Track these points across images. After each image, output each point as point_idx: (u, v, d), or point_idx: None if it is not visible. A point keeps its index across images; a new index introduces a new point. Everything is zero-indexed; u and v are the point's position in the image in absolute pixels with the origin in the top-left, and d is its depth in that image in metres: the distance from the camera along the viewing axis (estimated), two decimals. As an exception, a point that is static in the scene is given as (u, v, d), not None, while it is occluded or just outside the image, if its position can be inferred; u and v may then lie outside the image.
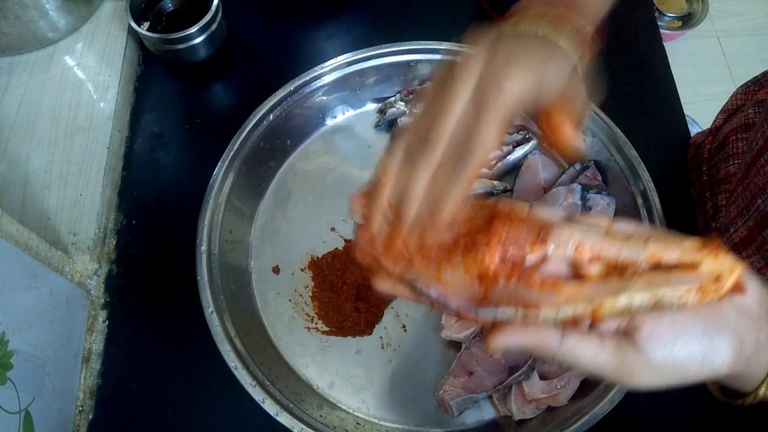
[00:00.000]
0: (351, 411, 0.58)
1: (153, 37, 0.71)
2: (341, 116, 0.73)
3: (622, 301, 0.31)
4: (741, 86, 0.70)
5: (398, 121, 0.70)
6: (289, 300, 0.63)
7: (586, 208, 0.63)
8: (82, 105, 0.72)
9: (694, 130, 0.74)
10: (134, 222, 0.68)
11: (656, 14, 1.70)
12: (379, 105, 0.73)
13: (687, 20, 1.76)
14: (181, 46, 0.72)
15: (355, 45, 0.71)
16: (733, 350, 0.32)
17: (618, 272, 0.33)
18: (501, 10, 0.78)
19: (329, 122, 0.73)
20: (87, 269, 0.64)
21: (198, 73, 0.77)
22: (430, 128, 0.34)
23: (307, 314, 0.63)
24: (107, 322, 0.63)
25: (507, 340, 0.33)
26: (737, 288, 0.32)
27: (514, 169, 0.69)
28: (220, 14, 0.73)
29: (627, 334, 0.32)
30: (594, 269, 0.33)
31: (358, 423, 0.57)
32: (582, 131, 0.36)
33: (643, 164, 0.62)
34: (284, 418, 0.52)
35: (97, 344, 0.62)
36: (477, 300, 0.33)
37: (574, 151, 0.37)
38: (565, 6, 0.39)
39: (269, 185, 0.70)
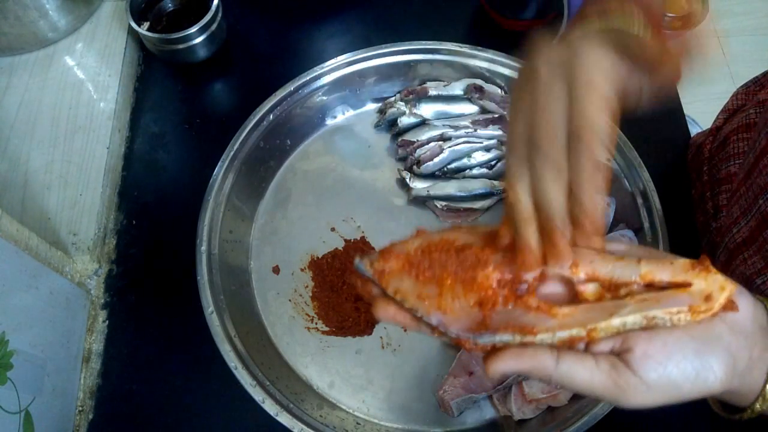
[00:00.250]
0: (351, 411, 0.58)
1: (153, 37, 0.71)
2: (341, 116, 0.73)
3: (616, 322, 0.32)
4: (741, 86, 0.70)
5: (398, 121, 0.70)
6: (289, 300, 0.63)
7: (586, 208, 0.63)
8: (82, 105, 0.72)
9: (694, 130, 0.74)
10: (134, 222, 0.68)
11: (656, 14, 1.70)
12: (379, 105, 0.73)
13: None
14: (181, 46, 0.72)
15: (355, 45, 0.71)
16: (725, 367, 0.32)
17: (613, 291, 0.33)
18: (501, 10, 0.78)
19: (329, 122, 0.73)
20: (87, 269, 0.64)
21: (198, 73, 0.77)
22: (537, 136, 0.33)
23: (307, 314, 0.63)
24: (107, 322, 0.63)
25: (504, 366, 0.33)
26: (729, 306, 0.32)
27: (514, 169, 0.69)
28: (220, 14, 0.73)
29: (620, 355, 0.32)
30: (590, 289, 0.34)
31: (358, 423, 0.57)
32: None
33: (643, 164, 0.62)
34: (284, 418, 0.52)
35: (97, 344, 0.62)
36: (476, 327, 0.34)
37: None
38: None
39: (269, 185, 0.70)
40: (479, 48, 0.70)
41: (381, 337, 0.61)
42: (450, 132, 0.68)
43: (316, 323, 0.62)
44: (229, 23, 0.77)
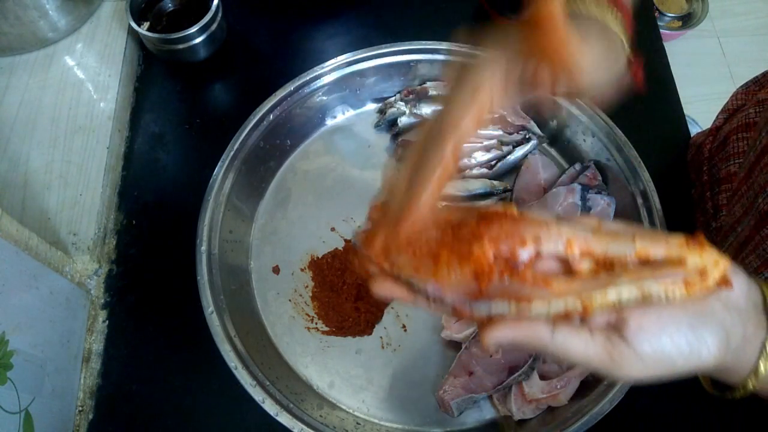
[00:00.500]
0: (351, 411, 0.58)
1: (153, 37, 0.71)
2: (341, 116, 0.73)
3: (611, 295, 0.32)
4: (741, 86, 0.70)
5: (398, 121, 0.70)
6: (289, 300, 0.63)
7: (586, 208, 0.63)
8: (82, 105, 0.72)
9: (694, 130, 0.74)
10: (134, 222, 0.68)
11: (656, 14, 1.70)
12: (379, 105, 0.73)
13: (687, 20, 1.76)
14: (181, 46, 0.72)
15: (355, 45, 0.70)
16: (719, 342, 0.33)
17: (607, 268, 0.34)
18: (501, 10, 0.78)
19: (329, 122, 0.73)
20: (87, 269, 0.64)
21: (198, 73, 0.77)
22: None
23: (307, 314, 0.63)
24: (107, 322, 0.63)
25: (500, 335, 0.33)
26: (724, 282, 0.32)
27: (514, 169, 0.69)
28: (220, 14, 0.73)
29: (616, 328, 0.33)
30: (584, 265, 0.34)
31: (358, 423, 0.57)
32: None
33: (643, 164, 0.62)
34: (284, 418, 0.52)
35: (97, 344, 0.62)
36: (472, 295, 0.34)
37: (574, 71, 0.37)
38: None
39: (269, 185, 0.70)
40: (479, 48, 0.69)
41: (381, 337, 0.61)
42: (450, 132, 0.68)
43: (316, 323, 0.62)
44: (229, 23, 0.77)
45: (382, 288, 0.37)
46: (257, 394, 0.53)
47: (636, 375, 0.33)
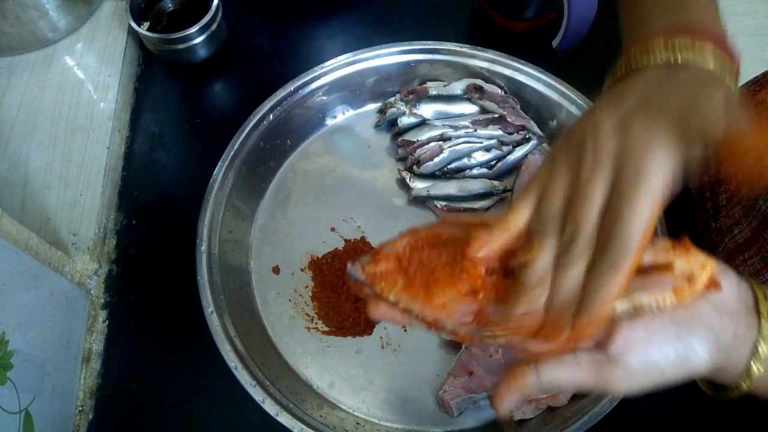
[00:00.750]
0: (351, 411, 0.58)
1: (153, 37, 0.71)
2: (341, 116, 0.73)
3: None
4: (741, 86, 0.70)
5: (398, 121, 0.70)
6: (289, 300, 0.63)
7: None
8: (82, 105, 0.72)
9: (694, 130, 0.74)
10: (134, 222, 0.68)
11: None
12: (379, 105, 0.73)
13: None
14: (181, 46, 0.72)
15: (355, 45, 0.70)
16: (709, 347, 0.32)
17: None
18: (501, 10, 0.78)
19: (329, 122, 0.73)
20: (87, 269, 0.64)
21: (198, 73, 0.77)
22: (572, 216, 0.32)
23: (307, 314, 0.63)
24: (107, 322, 0.63)
25: (508, 401, 0.34)
26: (712, 285, 0.32)
27: (514, 169, 0.69)
28: (220, 14, 0.73)
29: (603, 346, 0.32)
30: None
31: (358, 423, 0.57)
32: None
33: (643, 164, 0.62)
34: (284, 418, 0.52)
35: (97, 344, 0.62)
36: (471, 318, 0.34)
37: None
38: (688, 14, 0.35)
39: (269, 185, 0.70)
40: (479, 48, 0.70)
41: (381, 337, 0.61)
42: (450, 132, 0.68)
43: (316, 323, 0.62)
44: (229, 23, 0.77)
45: (377, 312, 0.37)
46: (257, 394, 0.53)
47: (627, 388, 0.33)
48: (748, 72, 0.73)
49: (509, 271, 0.34)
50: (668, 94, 0.33)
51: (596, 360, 0.32)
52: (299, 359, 0.60)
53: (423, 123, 0.70)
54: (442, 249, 0.35)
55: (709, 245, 0.62)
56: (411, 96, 0.70)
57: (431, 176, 0.68)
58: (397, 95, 0.71)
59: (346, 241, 0.66)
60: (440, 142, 0.68)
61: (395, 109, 0.70)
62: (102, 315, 0.63)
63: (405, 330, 0.62)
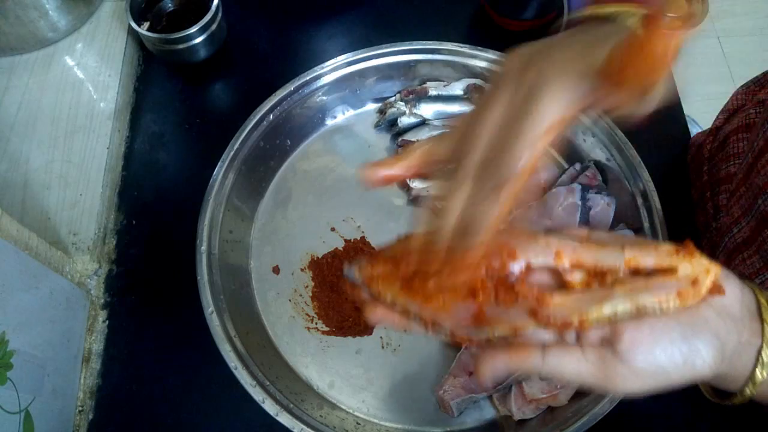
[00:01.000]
0: (351, 411, 0.58)
1: (153, 37, 0.71)
2: (341, 116, 0.73)
3: (607, 311, 0.32)
4: (742, 86, 0.70)
5: (398, 121, 0.70)
6: (289, 300, 0.63)
7: (586, 208, 0.63)
8: (82, 105, 0.72)
9: (694, 130, 0.74)
10: (134, 222, 0.68)
11: (656, 14, 1.69)
12: (379, 105, 0.73)
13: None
14: (181, 46, 0.72)
15: (355, 45, 0.70)
16: (714, 351, 0.32)
17: (599, 279, 0.34)
18: (501, 10, 0.78)
19: (329, 122, 0.73)
20: (87, 269, 0.64)
21: (198, 73, 0.77)
22: (464, 142, 0.33)
23: (307, 314, 0.63)
24: (107, 322, 0.63)
25: (495, 367, 0.34)
26: (716, 289, 0.32)
27: (514, 169, 0.69)
28: (220, 14, 0.73)
29: (609, 344, 0.32)
30: (576, 277, 0.34)
31: (358, 423, 0.57)
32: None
33: (643, 164, 0.62)
34: (284, 418, 0.52)
35: (97, 344, 0.62)
36: (470, 319, 0.34)
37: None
38: None
39: (269, 185, 0.70)
40: (479, 48, 0.70)
41: (381, 337, 0.61)
42: (450, 132, 0.68)
43: (316, 323, 0.62)
44: (229, 23, 0.77)
45: (375, 316, 0.37)
46: (257, 394, 0.53)
47: (630, 389, 0.32)
48: (749, 72, 0.73)
49: (508, 274, 0.34)
50: (574, 38, 0.35)
51: (603, 355, 0.32)
52: (299, 359, 0.60)
53: (423, 123, 0.70)
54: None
55: (710, 245, 0.62)
56: (411, 96, 0.70)
57: (431, 176, 0.68)
58: (397, 95, 0.71)
59: (346, 241, 0.66)
60: (440, 142, 0.68)
61: (395, 109, 0.70)
62: (102, 315, 0.63)
63: (405, 330, 0.62)
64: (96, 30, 0.78)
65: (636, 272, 0.33)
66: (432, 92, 0.70)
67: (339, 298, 0.62)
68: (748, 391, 0.34)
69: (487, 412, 0.58)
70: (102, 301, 0.64)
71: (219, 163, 0.63)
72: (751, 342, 0.34)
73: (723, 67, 1.79)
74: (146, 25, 0.75)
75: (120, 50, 0.76)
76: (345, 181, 0.70)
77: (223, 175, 0.63)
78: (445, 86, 0.71)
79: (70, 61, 0.75)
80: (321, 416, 0.56)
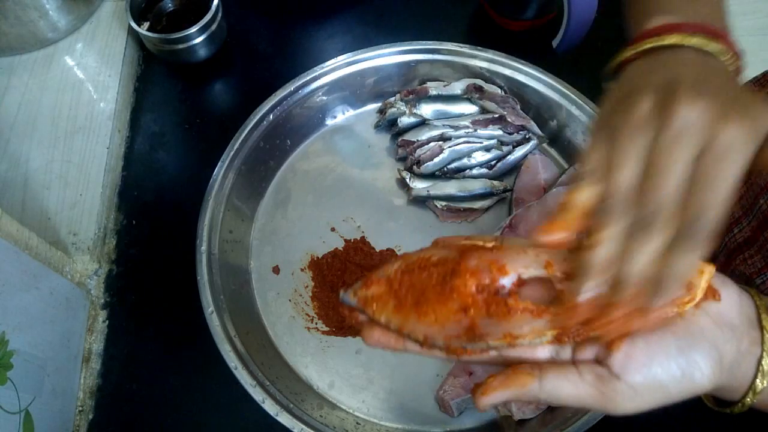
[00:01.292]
0: (351, 411, 0.58)
1: (153, 37, 0.71)
2: (341, 116, 0.73)
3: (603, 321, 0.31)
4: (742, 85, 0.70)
5: (398, 121, 0.70)
6: (289, 300, 0.63)
7: (586, 208, 0.63)
8: (82, 105, 0.72)
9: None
10: (134, 222, 0.68)
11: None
12: (379, 105, 0.73)
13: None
14: (181, 46, 0.72)
15: (355, 45, 0.71)
16: (712, 363, 0.31)
17: None
18: (501, 10, 0.78)
19: (329, 122, 0.73)
20: (87, 269, 0.64)
21: (198, 73, 0.77)
22: (652, 189, 0.30)
23: (307, 314, 0.63)
24: (107, 322, 0.63)
25: (493, 399, 0.33)
26: (711, 294, 0.32)
27: (514, 169, 0.69)
28: (220, 14, 0.73)
29: (604, 361, 0.32)
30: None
31: (358, 423, 0.57)
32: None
33: (643, 164, 0.62)
34: (284, 418, 0.52)
35: (97, 344, 0.62)
36: (463, 333, 0.33)
37: None
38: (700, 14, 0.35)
39: (269, 185, 0.70)
40: (479, 48, 0.70)
41: (381, 337, 0.61)
42: (450, 132, 0.68)
43: (316, 323, 0.62)
44: (229, 23, 0.77)
45: (372, 338, 0.36)
46: (257, 394, 0.53)
47: (630, 408, 0.32)
48: (748, 72, 0.73)
49: (499, 288, 0.34)
50: (714, 75, 0.33)
51: (599, 375, 0.31)
52: (299, 359, 0.60)
53: (423, 123, 0.70)
54: (432, 270, 0.35)
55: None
56: (411, 96, 0.70)
57: (431, 176, 0.68)
58: (397, 95, 0.71)
59: (346, 241, 0.66)
60: (440, 142, 0.68)
61: (395, 109, 0.70)
62: (102, 315, 0.63)
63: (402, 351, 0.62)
64: (96, 30, 0.78)
65: None
66: (432, 92, 0.70)
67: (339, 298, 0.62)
68: (748, 400, 0.34)
69: (487, 412, 0.58)
70: (102, 301, 0.64)
71: (219, 163, 0.63)
72: (750, 351, 0.33)
73: (723, 67, 1.78)
74: (146, 25, 0.75)
75: (120, 50, 0.76)
76: (345, 181, 0.70)
77: (223, 175, 0.63)
78: (445, 86, 0.71)
79: (70, 61, 0.75)
80: (321, 416, 0.56)
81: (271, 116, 0.67)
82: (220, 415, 0.58)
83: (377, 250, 0.65)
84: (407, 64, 0.71)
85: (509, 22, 0.78)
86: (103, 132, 0.70)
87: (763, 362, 0.33)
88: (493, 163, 0.68)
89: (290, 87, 0.67)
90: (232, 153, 0.64)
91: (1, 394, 0.47)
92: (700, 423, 0.58)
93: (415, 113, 0.70)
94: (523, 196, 0.67)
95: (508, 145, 0.69)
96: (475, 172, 0.68)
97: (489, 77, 0.70)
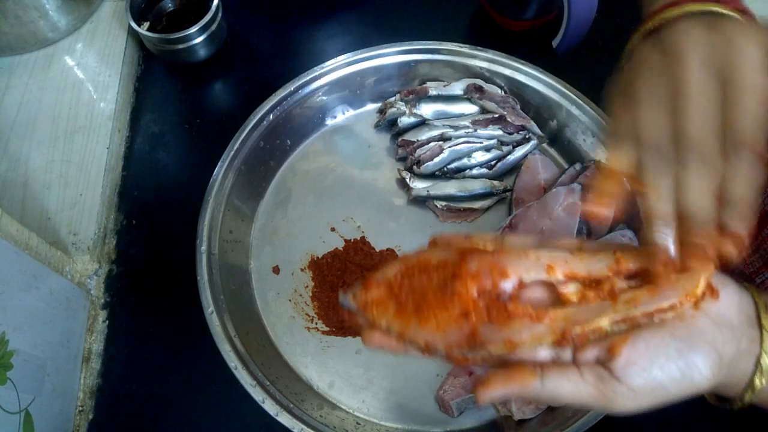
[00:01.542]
0: (351, 411, 0.58)
1: (153, 37, 0.71)
2: (341, 116, 0.73)
3: (604, 323, 0.32)
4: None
5: (398, 121, 0.70)
6: (289, 300, 0.63)
7: (586, 208, 0.63)
8: (82, 105, 0.72)
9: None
10: (134, 222, 0.68)
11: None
12: (379, 105, 0.73)
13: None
14: (181, 46, 0.72)
15: (355, 45, 0.70)
16: (711, 364, 0.32)
17: (594, 288, 0.33)
18: (501, 10, 0.78)
19: (329, 122, 0.73)
20: (87, 269, 0.64)
21: (198, 73, 0.77)
22: (687, 130, 0.30)
23: (307, 314, 0.63)
24: (107, 322, 0.63)
25: (493, 394, 0.33)
26: (709, 292, 0.32)
27: (514, 169, 0.69)
28: (220, 14, 0.73)
29: (605, 363, 0.32)
30: (570, 289, 0.33)
31: (358, 423, 0.57)
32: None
33: (643, 164, 0.62)
34: (284, 418, 0.52)
35: (97, 344, 0.62)
36: (464, 340, 0.33)
37: None
38: None
39: (269, 185, 0.70)
40: (479, 48, 0.70)
41: (381, 337, 0.61)
42: (450, 132, 0.68)
43: (316, 323, 0.62)
44: (229, 23, 0.77)
45: (372, 341, 0.36)
46: (257, 394, 0.53)
47: (630, 408, 0.32)
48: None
49: (501, 293, 0.33)
50: (717, 21, 0.33)
51: (600, 375, 0.32)
52: (299, 359, 0.60)
53: (423, 123, 0.70)
54: (432, 273, 0.35)
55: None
56: (411, 96, 0.70)
57: (431, 176, 0.68)
58: (397, 95, 0.71)
59: (346, 241, 0.66)
60: (440, 142, 0.68)
61: (395, 109, 0.70)
62: (102, 315, 0.63)
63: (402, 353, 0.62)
64: (96, 30, 0.78)
65: (631, 276, 0.33)
66: (432, 92, 0.70)
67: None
68: (747, 397, 0.34)
69: (487, 412, 0.58)
70: (102, 301, 0.64)
71: (219, 163, 0.63)
72: (749, 350, 0.33)
73: (723, 67, 1.78)
74: (146, 25, 0.75)
75: (120, 50, 0.76)
76: (345, 181, 0.70)
77: (223, 175, 0.63)
78: (445, 86, 0.71)
79: (70, 61, 0.75)
80: (321, 416, 0.56)
81: (271, 116, 0.67)
82: (220, 415, 0.58)
83: (377, 250, 0.65)
84: (407, 64, 0.71)
85: (509, 22, 0.78)
86: (103, 132, 0.70)
87: (761, 361, 0.33)
88: (493, 163, 0.68)
89: (290, 87, 0.67)
90: (232, 153, 0.64)
91: (1, 394, 0.47)
92: (700, 423, 0.58)
93: (415, 113, 0.70)
94: (523, 196, 0.67)
95: (508, 145, 0.69)
96: (475, 172, 0.68)
97: (489, 77, 0.70)
